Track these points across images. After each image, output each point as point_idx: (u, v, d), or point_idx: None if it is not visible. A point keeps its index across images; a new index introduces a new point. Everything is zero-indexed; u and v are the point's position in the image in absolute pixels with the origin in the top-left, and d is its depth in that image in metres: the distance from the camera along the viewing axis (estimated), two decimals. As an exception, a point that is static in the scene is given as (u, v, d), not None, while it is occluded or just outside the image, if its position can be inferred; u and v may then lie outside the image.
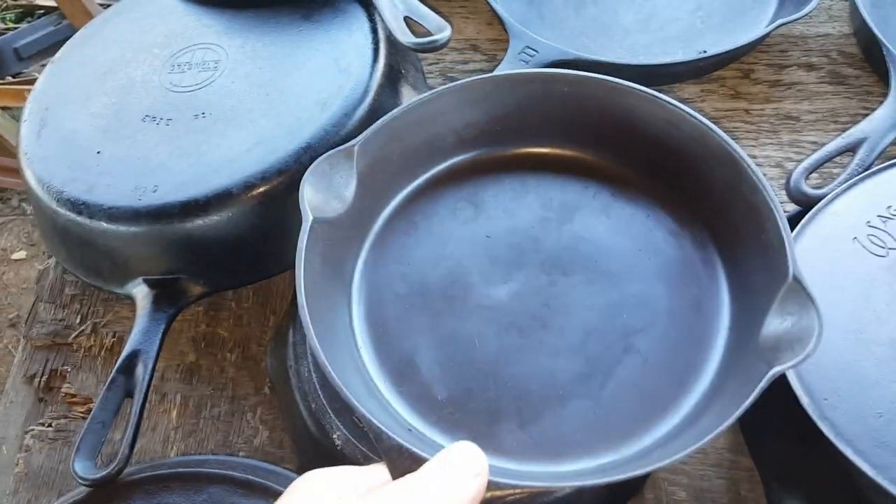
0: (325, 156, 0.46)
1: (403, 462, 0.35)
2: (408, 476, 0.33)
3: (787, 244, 0.40)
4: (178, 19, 0.65)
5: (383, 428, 0.36)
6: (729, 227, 0.46)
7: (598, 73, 0.66)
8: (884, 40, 0.60)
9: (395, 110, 0.49)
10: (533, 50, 0.62)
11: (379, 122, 0.48)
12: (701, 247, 0.48)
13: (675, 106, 0.47)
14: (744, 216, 0.45)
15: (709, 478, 0.50)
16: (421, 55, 0.67)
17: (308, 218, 0.44)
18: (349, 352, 0.46)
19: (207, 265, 0.54)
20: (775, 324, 0.39)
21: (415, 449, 0.35)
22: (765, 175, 0.60)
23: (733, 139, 0.62)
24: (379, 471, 0.35)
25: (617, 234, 0.49)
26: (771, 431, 0.47)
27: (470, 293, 0.48)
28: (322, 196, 0.46)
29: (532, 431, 0.43)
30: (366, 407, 0.37)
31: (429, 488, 0.31)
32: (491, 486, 0.33)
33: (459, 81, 0.50)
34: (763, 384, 0.35)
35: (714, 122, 0.63)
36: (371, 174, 0.49)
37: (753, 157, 0.62)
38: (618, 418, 0.43)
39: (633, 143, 0.50)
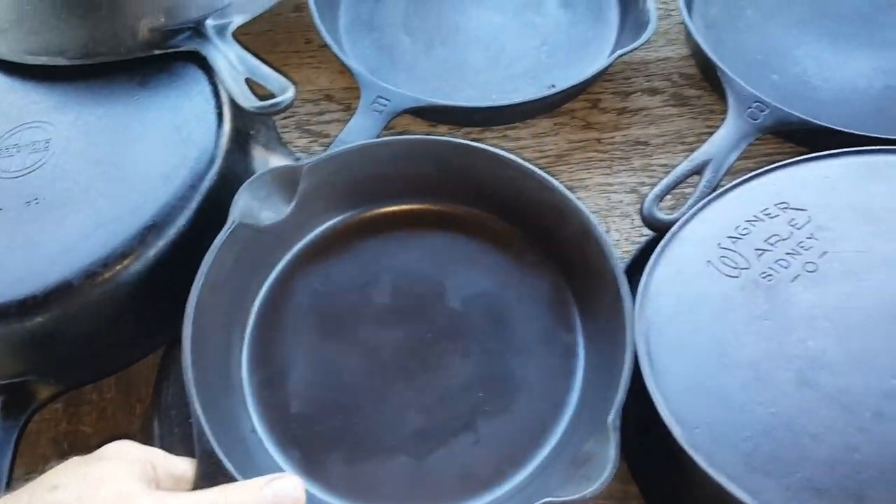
0: (270, 169, 0.50)
1: (210, 468, 0.38)
2: (226, 486, 0.36)
3: (619, 394, 0.42)
4: (4, 97, 0.60)
5: (207, 429, 0.38)
6: (601, 360, 0.48)
7: (452, 116, 0.67)
8: (718, 63, 0.61)
9: (351, 145, 0.53)
10: (385, 99, 0.61)
11: (332, 151, 0.53)
12: (580, 359, 0.49)
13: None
14: (613, 354, 0.46)
15: (602, 511, 0.50)
16: (272, 111, 0.65)
17: (233, 220, 0.47)
18: (229, 348, 0.49)
19: (56, 364, 0.50)
20: (584, 455, 0.41)
21: (226, 462, 0.38)
22: (621, 201, 0.62)
23: (587, 169, 0.64)
24: (188, 466, 0.38)
25: (517, 326, 0.51)
26: (653, 461, 0.48)
27: (361, 327, 0.51)
28: (257, 204, 0.49)
29: (354, 470, 0.46)
30: (206, 402, 0.40)
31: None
32: None
33: (414, 136, 0.55)
34: None
35: (567, 154, 0.65)
36: (315, 194, 0.52)
37: (609, 184, 0.63)
38: (432, 485, 0.45)
39: (563, 254, 0.52)
